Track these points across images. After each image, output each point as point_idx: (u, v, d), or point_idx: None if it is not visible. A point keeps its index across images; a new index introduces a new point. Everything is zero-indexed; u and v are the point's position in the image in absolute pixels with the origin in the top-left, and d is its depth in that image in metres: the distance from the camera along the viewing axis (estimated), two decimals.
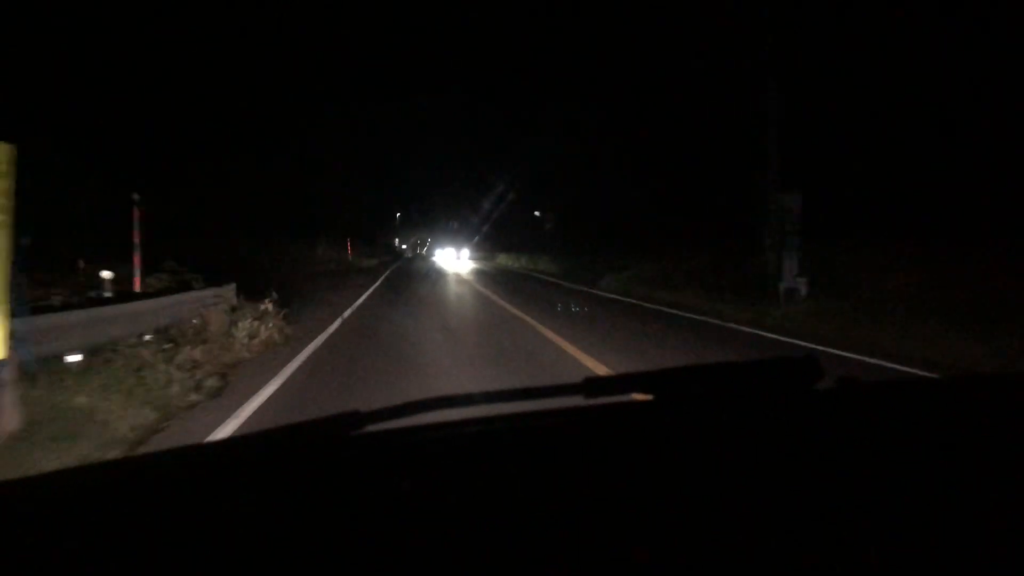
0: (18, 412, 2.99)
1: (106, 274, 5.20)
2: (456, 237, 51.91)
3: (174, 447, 0.72)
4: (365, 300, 11.07)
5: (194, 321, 5.42)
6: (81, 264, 6.98)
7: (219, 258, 11.01)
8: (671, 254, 14.20)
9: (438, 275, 20.58)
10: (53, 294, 5.31)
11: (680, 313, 8.69)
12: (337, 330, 7.30)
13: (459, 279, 17.88)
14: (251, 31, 22.37)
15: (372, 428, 0.67)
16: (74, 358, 3.83)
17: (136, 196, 5.56)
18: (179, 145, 13.84)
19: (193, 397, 4.02)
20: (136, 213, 5.64)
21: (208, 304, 5.61)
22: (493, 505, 0.56)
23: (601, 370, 4.68)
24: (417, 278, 19.29)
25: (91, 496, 0.58)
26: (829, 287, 8.18)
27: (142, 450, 3.01)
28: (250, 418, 3.57)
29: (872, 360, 5.28)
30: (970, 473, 0.61)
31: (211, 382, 4.45)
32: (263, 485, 0.60)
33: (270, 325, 5.90)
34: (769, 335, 6.67)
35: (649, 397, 0.77)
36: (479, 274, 20.84)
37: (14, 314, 2.83)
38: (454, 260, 38.82)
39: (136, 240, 5.70)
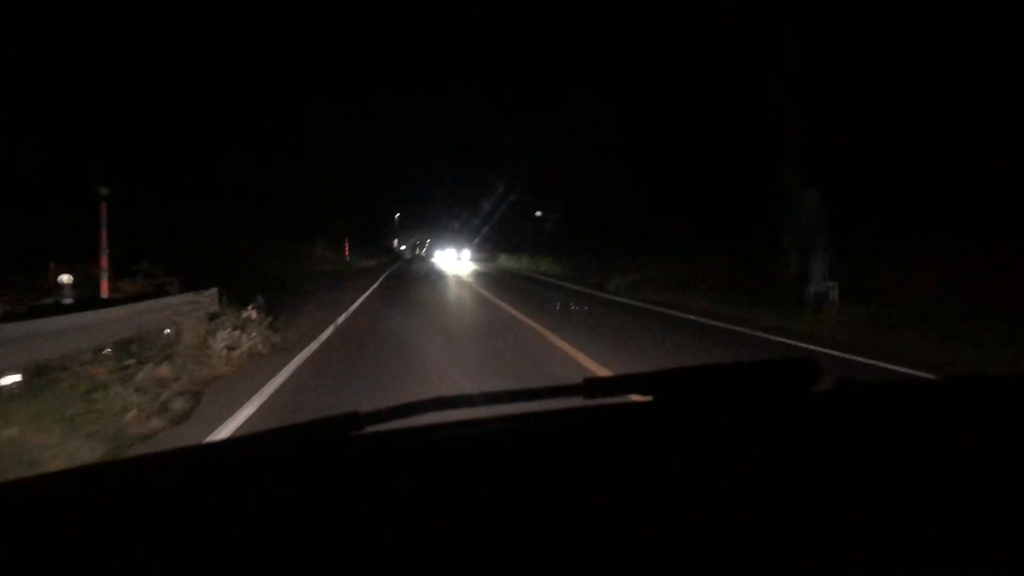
0: None
1: (64, 278, 4.62)
2: (456, 238, 51.38)
3: (174, 447, 0.71)
4: (362, 304, 10.47)
5: (166, 332, 4.82)
6: (52, 266, 6.36)
7: (204, 260, 10.41)
8: (681, 255, 13.62)
9: (438, 277, 19.95)
10: None
11: (700, 320, 8.09)
12: (330, 338, 6.70)
13: (459, 281, 17.26)
14: (248, 26, 21.79)
15: (372, 429, 0.68)
16: (10, 380, 3.23)
17: (103, 190, 4.96)
18: (162, 138, 13.21)
19: (154, 423, 3.43)
20: (104, 209, 5.04)
21: (183, 312, 5.00)
22: (493, 506, 0.55)
23: None
24: (416, 280, 18.67)
25: (91, 496, 0.59)
26: (859, 291, 7.59)
27: None
28: None
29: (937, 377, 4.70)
30: (970, 473, 0.61)
31: (179, 404, 3.85)
32: (263, 485, 0.61)
33: (253, 335, 5.31)
34: (806, 346, 6.06)
35: (648, 398, 0.78)
36: (480, 276, 20.22)
37: None
38: (454, 261, 38.19)
39: (103, 240, 5.10)
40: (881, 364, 5.09)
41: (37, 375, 3.42)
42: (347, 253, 28.34)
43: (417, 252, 77.44)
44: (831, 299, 7.47)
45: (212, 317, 5.63)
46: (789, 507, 0.54)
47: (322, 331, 7.13)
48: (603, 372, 4.58)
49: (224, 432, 3.32)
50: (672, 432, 0.73)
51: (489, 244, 39.55)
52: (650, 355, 5.63)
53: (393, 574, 0.46)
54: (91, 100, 11.29)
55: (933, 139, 9.38)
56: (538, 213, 31.17)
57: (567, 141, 23.20)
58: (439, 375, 4.64)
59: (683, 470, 0.62)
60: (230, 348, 4.97)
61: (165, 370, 4.20)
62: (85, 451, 2.87)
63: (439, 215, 65.56)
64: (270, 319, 6.42)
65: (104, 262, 5.15)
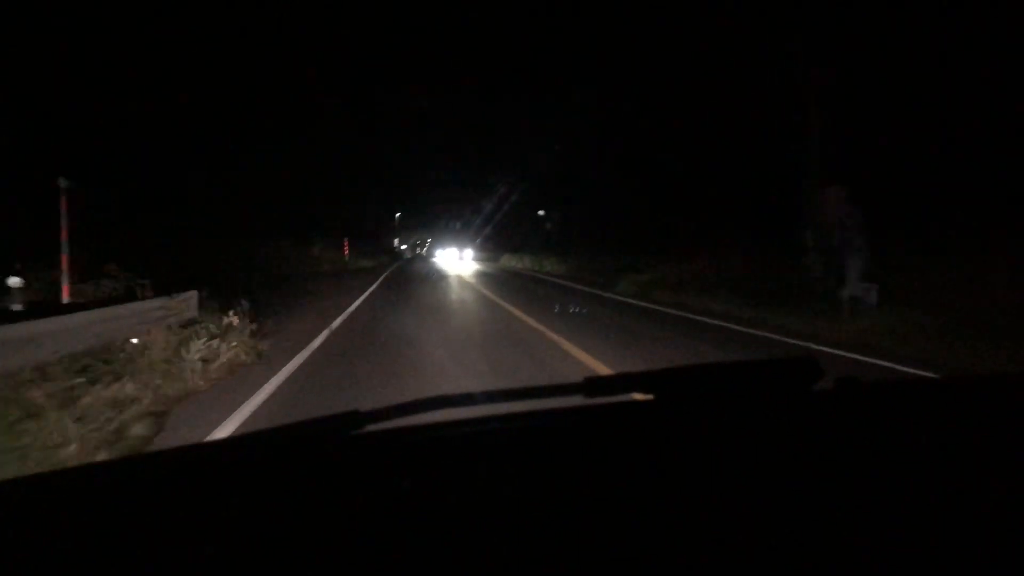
0: None
1: (13, 281, 4.04)
2: (457, 237, 50.80)
3: (174, 447, 0.71)
4: (359, 306, 9.86)
5: (133, 341, 4.22)
6: (18, 267, 5.74)
7: (193, 261, 9.81)
8: (694, 255, 12.99)
9: (439, 277, 19.29)
10: None
11: (725, 325, 7.47)
12: (323, 345, 6.11)
13: (462, 282, 16.62)
14: (247, 23, 21.22)
15: (372, 428, 0.68)
16: None
17: (63, 182, 4.37)
18: (150, 134, 12.61)
19: (100, 457, 2.84)
20: (64, 203, 4.44)
21: (153, 319, 4.40)
22: (493, 504, 0.56)
23: None
24: (417, 280, 18.02)
25: (91, 496, 0.59)
26: (898, 294, 6.98)
27: None
28: None
29: None
30: (970, 473, 0.61)
31: (138, 429, 3.25)
32: (263, 484, 0.60)
33: (233, 344, 4.71)
34: (852, 356, 5.44)
35: (649, 397, 0.77)
36: (483, 276, 19.56)
37: None
38: (456, 261, 37.47)
39: (64, 237, 4.50)
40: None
41: None
42: (346, 253, 27.73)
43: (418, 252, 76.91)
44: (870, 303, 6.85)
45: (190, 324, 5.03)
46: (789, 506, 0.55)
47: (315, 337, 6.53)
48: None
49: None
50: (673, 431, 0.73)
51: (491, 244, 38.93)
52: (671, 361, 5.03)
53: (394, 573, 0.46)
54: (66, 90, 10.71)
55: (970, 130, 8.77)
56: (541, 212, 30.56)
57: (571, 137, 22.60)
58: (441, 391, 4.03)
59: (684, 469, 0.63)
60: (206, 360, 4.37)
61: (126, 388, 3.60)
62: None
63: (440, 215, 65.04)
64: (256, 325, 5.83)
65: (65, 262, 4.55)
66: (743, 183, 12.80)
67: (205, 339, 4.41)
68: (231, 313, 5.21)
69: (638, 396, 0.78)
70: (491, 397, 0.77)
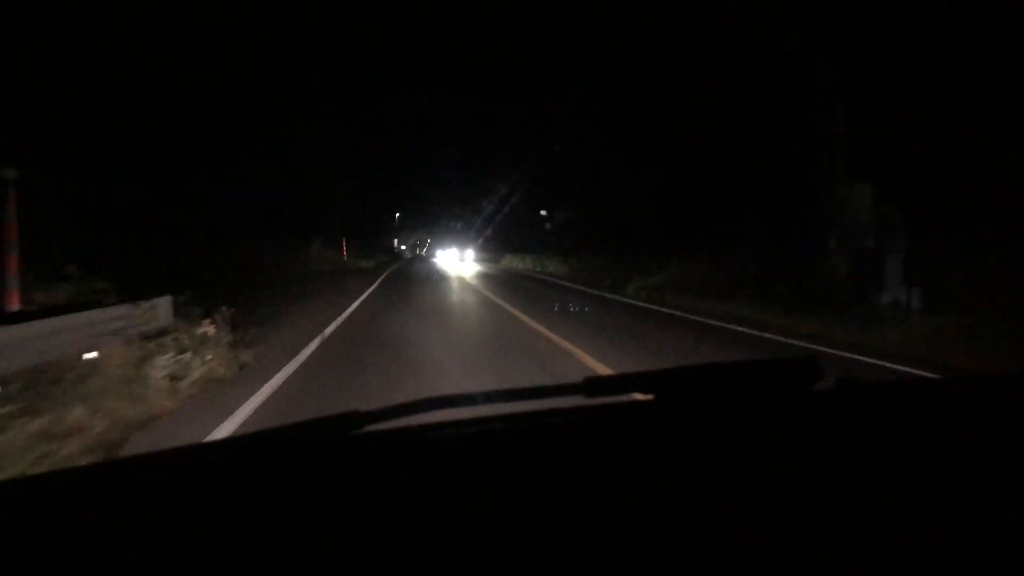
0: None
1: None
2: (458, 237, 50.22)
3: (174, 447, 0.71)
4: (356, 309, 9.26)
5: (87, 357, 3.64)
6: None
7: (174, 261, 9.22)
8: (705, 255, 12.40)
9: (440, 278, 18.65)
10: None
11: (755, 333, 6.87)
12: (314, 355, 5.52)
13: (464, 284, 16.00)
14: (246, 20, 20.63)
15: (372, 428, 0.68)
16: None
17: (9, 172, 3.78)
18: (131, 121, 12.01)
19: None
20: (12, 197, 3.85)
21: (111, 330, 3.81)
22: (493, 505, 0.55)
23: None
24: (417, 282, 17.40)
25: (91, 496, 0.58)
26: (943, 298, 6.39)
27: None
28: None
29: None
30: (970, 473, 0.60)
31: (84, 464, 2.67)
32: (263, 484, 0.60)
33: (208, 356, 4.12)
34: (915, 372, 4.84)
35: (649, 397, 0.77)
36: (485, 278, 18.92)
37: None
38: (457, 261, 36.76)
39: (11, 236, 3.91)
40: None
41: None
42: (345, 253, 27.14)
43: (417, 252, 76.39)
44: (913, 308, 6.24)
45: (163, 334, 4.43)
46: (789, 506, 0.55)
47: (306, 345, 5.95)
48: None
49: None
50: (673, 431, 0.73)
51: (492, 244, 38.30)
52: None
53: (393, 573, 0.46)
54: (59, 85, 10.14)
55: (1007, 122, 8.19)
56: (543, 212, 29.95)
57: (574, 135, 22.00)
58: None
59: (684, 469, 0.63)
60: (176, 377, 3.78)
61: (71, 415, 3.01)
62: None
63: (440, 214, 64.45)
64: (240, 332, 5.24)
65: (14, 264, 3.96)
66: (756, 181, 12.21)
67: (173, 353, 3.81)
68: (207, 321, 4.60)
69: (638, 396, 0.77)
70: (491, 397, 0.77)
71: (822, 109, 9.57)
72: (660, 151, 15.72)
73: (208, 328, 4.51)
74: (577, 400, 0.76)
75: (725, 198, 12.74)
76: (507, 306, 9.60)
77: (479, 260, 36.92)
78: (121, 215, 9.26)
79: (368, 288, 13.68)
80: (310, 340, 6.26)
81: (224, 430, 3.29)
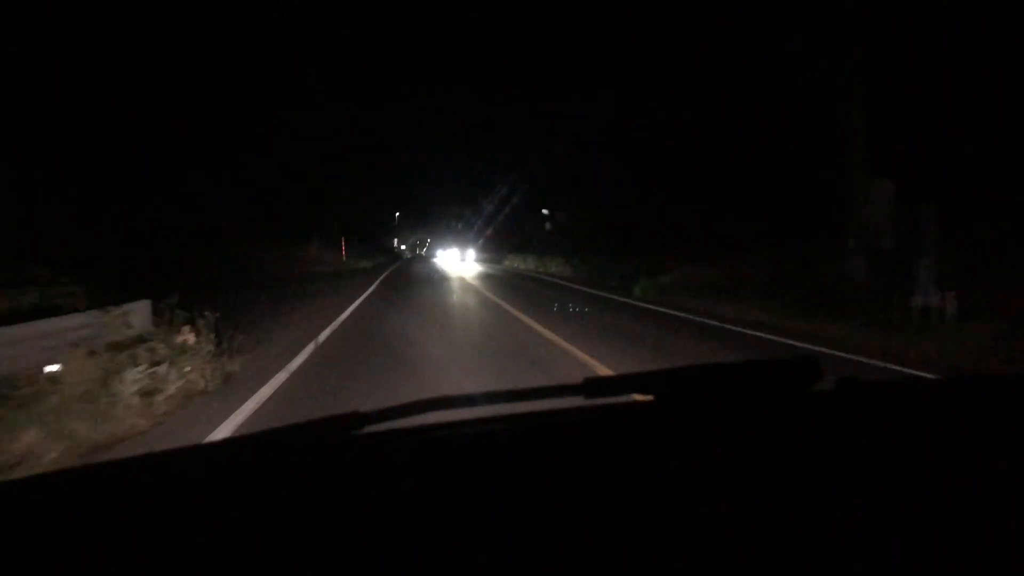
0: None
1: None
2: (458, 237, 49.80)
3: (174, 447, 0.70)
4: (354, 312, 8.86)
5: (48, 370, 3.24)
6: None
7: (163, 262, 8.83)
8: (715, 256, 12.00)
9: (441, 278, 18.22)
10: None
11: (770, 337, 6.47)
12: (306, 363, 5.14)
13: (466, 285, 15.59)
14: (245, 18, 20.21)
15: (373, 428, 0.67)
16: None
17: None
18: (126, 118, 11.62)
19: None
20: None
21: (74, 340, 3.42)
22: (493, 505, 0.55)
23: None
24: (417, 283, 16.98)
25: (91, 496, 0.58)
26: (979, 304, 5.99)
27: None
28: None
29: None
30: (970, 473, 0.60)
31: None
32: (264, 484, 0.60)
33: (186, 368, 3.73)
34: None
35: (649, 398, 0.77)
36: (488, 279, 18.49)
37: None
38: (458, 262, 36.23)
39: None
40: None
41: None
42: (344, 253, 26.73)
43: (418, 252, 76.04)
44: (947, 314, 5.85)
45: (139, 343, 4.04)
46: (789, 506, 0.54)
47: (298, 353, 5.56)
48: None
49: None
50: (673, 431, 0.73)
51: (493, 244, 37.89)
52: None
53: (394, 573, 0.46)
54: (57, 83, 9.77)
55: None
56: (545, 211, 29.52)
57: (577, 132, 21.61)
58: None
59: (684, 469, 0.62)
60: (149, 392, 3.39)
61: (21, 438, 2.62)
62: None
63: (441, 214, 64.03)
64: (225, 339, 4.85)
65: None
66: (768, 179, 11.82)
67: (146, 365, 3.42)
68: (187, 329, 4.20)
69: (638, 397, 0.77)
70: (491, 398, 0.76)
71: (840, 100, 9.17)
72: (666, 148, 15.32)
73: (187, 336, 4.12)
74: (577, 401, 0.76)
75: (734, 197, 12.34)
76: (515, 311, 9.20)
77: (480, 260, 36.45)
78: (108, 212, 8.87)
79: (366, 290, 13.28)
80: (303, 346, 5.87)
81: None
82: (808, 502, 0.55)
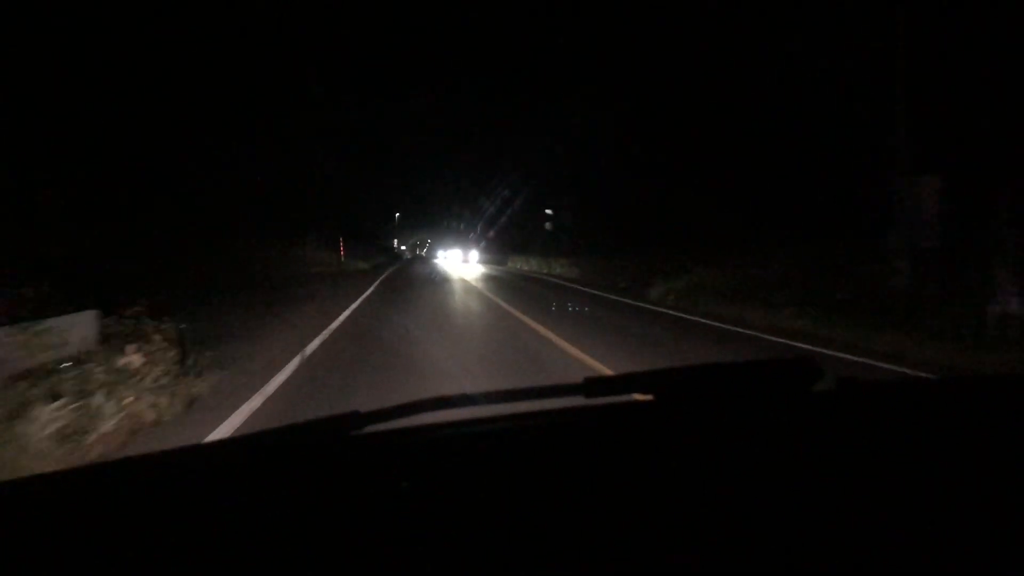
0: None
1: None
2: (460, 238, 49.05)
3: (174, 447, 0.70)
4: (348, 318, 8.05)
5: None
6: None
7: (142, 263, 8.06)
8: (734, 257, 11.21)
9: (443, 281, 17.37)
10: None
11: (827, 352, 5.67)
12: (289, 382, 4.37)
13: (470, 288, 14.78)
14: (244, 15, 19.52)
15: (373, 428, 0.67)
16: None
17: None
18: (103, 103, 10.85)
19: None
20: None
21: None
22: (493, 505, 0.55)
23: None
24: (418, 284, 16.17)
25: (91, 495, 0.58)
26: None
27: None
28: None
29: None
30: (969, 473, 0.60)
31: None
32: (264, 484, 0.60)
33: (128, 398, 2.95)
34: None
35: (649, 397, 0.77)
36: (492, 281, 17.66)
37: None
38: (460, 263, 35.25)
39: None
40: None
41: None
42: (342, 253, 25.94)
43: (418, 252, 75.36)
44: None
45: (78, 364, 3.26)
46: (789, 506, 0.54)
47: (280, 368, 4.79)
48: None
49: None
50: (673, 431, 0.73)
51: (495, 245, 37.09)
52: None
53: (394, 573, 0.46)
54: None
55: None
56: (548, 211, 28.73)
57: (582, 127, 20.83)
58: None
59: (684, 469, 0.62)
60: (72, 433, 2.61)
61: None
62: None
63: (441, 215, 63.33)
64: (196, 354, 4.08)
65: None
66: (791, 175, 11.03)
67: (69, 397, 2.64)
68: (132, 348, 3.42)
69: (638, 396, 0.77)
70: (491, 398, 0.77)
71: (880, 87, 8.39)
72: (679, 143, 14.53)
73: (132, 357, 3.34)
74: (577, 400, 0.75)
75: (754, 194, 11.54)
76: (526, 318, 8.41)
77: (483, 262, 35.58)
78: (90, 207, 8.10)
79: (363, 293, 12.48)
80: (288, 360, 5.10)
81: None
82: (808, 502, 0.55)
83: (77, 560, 0.47)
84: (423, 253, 75.06)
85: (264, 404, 3.78)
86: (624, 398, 0.76)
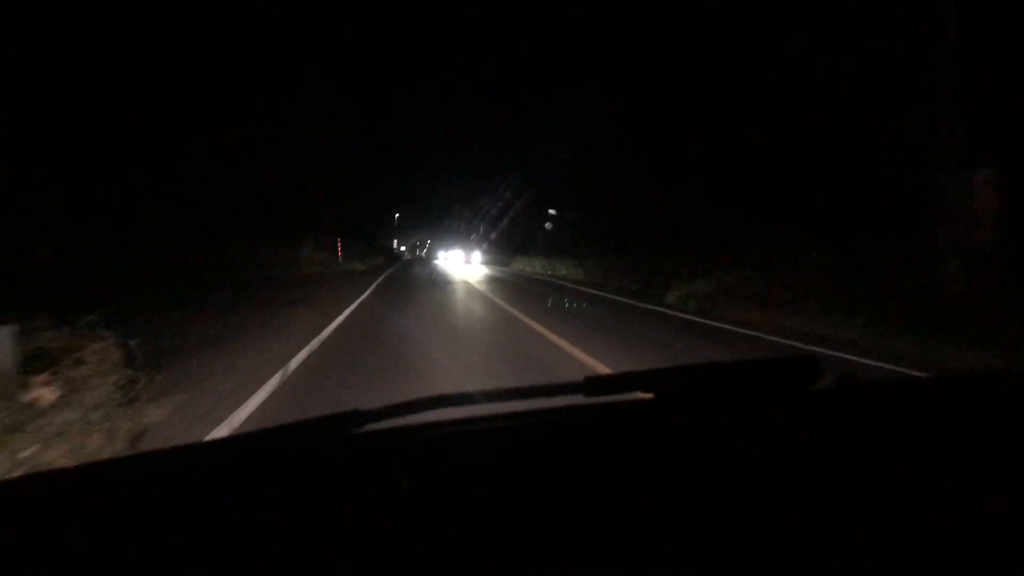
0: None
1: None
2: (460, 238, 48.30)
3: (173, 446, 0.69)
4: (341, 325, 7.24)
5: None
6: None
7: (104, 263, 7.30)
8: (755, 259, 10.44)
9: (445, 283, 16.50)
10: None
11: (895, 368, 4.89)
12: (263, 408, 3.61)
13: (474, 291, 13.98)
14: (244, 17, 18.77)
15: (372, 427, 0.67)
16: None
17: None
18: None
19: None
20: None
21: None
22: (493, 503, 0.55)
23: None
24: (418, 287, 15.34)
25: (91, 495, 0.58)
26: None
27: None
28: None
29: None
30: (969, 472, 0.61)
31: None
32: (263, 483, 0.60)
33: (23, 454, 2.17)
34: None
35: (649, 396, 0.77)
36: (496, 283, 16.81)
37: None
38: (462, 264, 34.27)
39: None
40: None
41: None
42: (340, 253, 25.14)
43: (417, 253, 74.63)
44: None
45: None
46: (789, 505, 0.54)
47: (259, 387, 4.03)
48: None
49: None
50: (673, 430, 0.73)
51: (497, 246, 36.29)
52: None
53: (393, 572, 0.45)
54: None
55: None
56: (552, 211, 27.94)
57: (587, 123, 20.08)
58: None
59: (683, 468, 0.62)
60: None
61: None
62: None
63: (442, 215, 62.58)
64: (156, 370, 3.32)
65: None
66: (817, 171, 10.27)
67: None
68: (40, 380, 2.63)
69: (638, 395, 0.77)
70: (491, 396, 0.77)
71: (927, 72, 7.63)
72: (692, 137, 13.77)
73: (41, 391, 2.55)
74: (577, 399, 0.75)
75: (787, 189, 10.75)
76: (536, 325, 7.63)
77: (486, 263, 34.69)
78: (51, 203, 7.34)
79: (360, 296, 11.66)
80: (267, 378, 4.33)
81: None
82: (808, 501, 0.55)
83: (77, 559, 0.46)
84: (422, 254, 74.34)
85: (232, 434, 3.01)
86: (624, 397, 0.76)
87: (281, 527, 0.50)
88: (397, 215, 58.25)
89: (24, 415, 2.37)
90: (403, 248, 67.53)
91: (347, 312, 8.61)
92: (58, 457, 2.29)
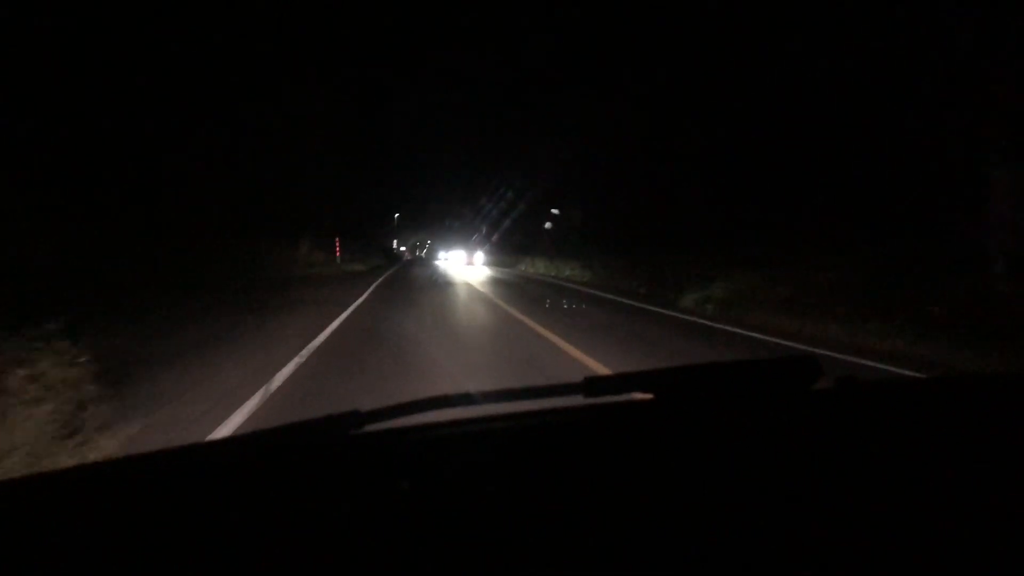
0: None
1: None
2: (461, 238, 47.77)
3: (173, 446, 0.68)
4: (336, 331, 6.65)
5: None
6: None
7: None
8: (775, 260, 9.87)
9: (447, 285, 15.87)
10: None
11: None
12: (247, 426, 3.01)
13: (474, 293, 13.37)
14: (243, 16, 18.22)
15: (372, 427, 0.67)
16: None
17: None
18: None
19: None
20: None
21: None
22: (493, 504, 0.55)
23: None
24: (417, 288, 14.71)
25: (91, 495, 0.57)
26: None
27: None
28: None
29: None
30: (969, 472, 0.60)
31: None
32: (263, 484, 0.59)
33: None
34: None
35: (649, 396, 0.76)
36: (501, 286, 16.14)
37: None
38: (464, 265, 33.45)
39: None
40: None
41: None
42: (338, 253, 24.58)
43: (417, 254, 74.13)
44: None
45: None
46: (789, 505, 0.54)
47: (234, 411, 3.44)
48: None
49: None
50: (673, 430, 0.72)
51: (499, 246, 35.73)
52: None
53: (393, 573, 0.45)
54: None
55: None
56: (554, 211, 27.37)
57: (594, 119, 19.53)
58: None
59: (683, 468, 0.62)
60: None
61: None
62: None
63: (442, 215, 62.07)
64: (127, 384, 2.75)
65: None
66: (860, 163, 9.68)
67: None
68: None
69: (638, 396, 0.76)
70: (491, 397, 0.76)
71: (969, 61, 7.07)
72: (705, 134, 13.20)
73: None
74: (577, 400, 0.74)
75: (814, 184, 10.16)
76: (550, 335, 7.05)
77: (489, 264, 34.00)
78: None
79: (358, 299, 11.07)
80: (246, 398, 3.75)
81: None
82: (807, 501, 0.54)
83: (76, 559, 0.46)
84: (423, 254, 73.83)
85: None
86: (623, 397, 0.75)
87: (281, 528, 0.50)
88: (397, 215, 57.69)
89: None
90: (403, 248, 66.92)
91: (350, 311, 8.02)
92: None
